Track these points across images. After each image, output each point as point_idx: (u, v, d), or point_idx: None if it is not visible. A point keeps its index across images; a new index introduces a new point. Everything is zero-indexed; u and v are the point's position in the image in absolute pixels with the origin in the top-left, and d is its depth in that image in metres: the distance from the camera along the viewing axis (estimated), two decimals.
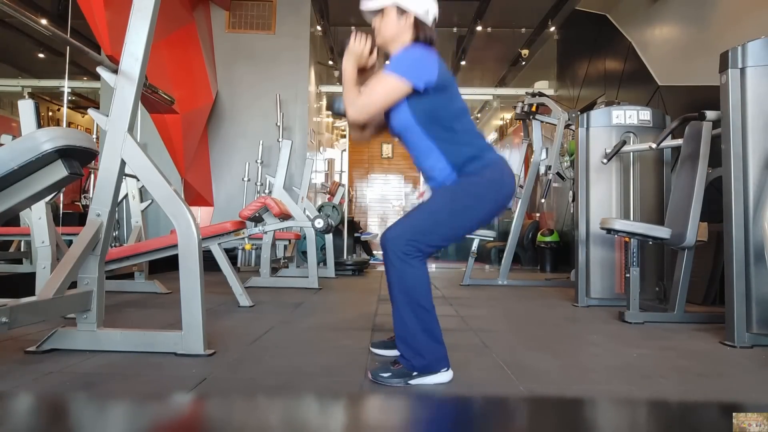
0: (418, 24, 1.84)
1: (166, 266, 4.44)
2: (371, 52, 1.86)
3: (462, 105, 1.84)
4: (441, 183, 1.82)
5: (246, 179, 6.44)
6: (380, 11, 1.86)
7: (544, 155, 5.23)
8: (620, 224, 3.08)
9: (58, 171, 1.79)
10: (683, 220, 2.97)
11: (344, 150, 8.02)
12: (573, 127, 4.64)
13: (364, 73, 1.90)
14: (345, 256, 6.42)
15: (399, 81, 1.72)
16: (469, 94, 10.65)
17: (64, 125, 5.57)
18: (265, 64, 6.80)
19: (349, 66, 1.84)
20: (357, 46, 1.84)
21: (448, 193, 1.77)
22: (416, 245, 1.68)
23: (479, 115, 12.67)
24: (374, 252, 7.98)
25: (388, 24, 1.85)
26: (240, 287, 3.37)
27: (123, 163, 2.06)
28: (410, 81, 1.71)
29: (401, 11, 1.83)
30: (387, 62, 1.84)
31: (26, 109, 2.56)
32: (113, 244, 4.58)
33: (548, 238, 6.98)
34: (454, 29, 8.65)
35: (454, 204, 1.74)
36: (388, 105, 1.77)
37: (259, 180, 6.42)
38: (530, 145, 5.57)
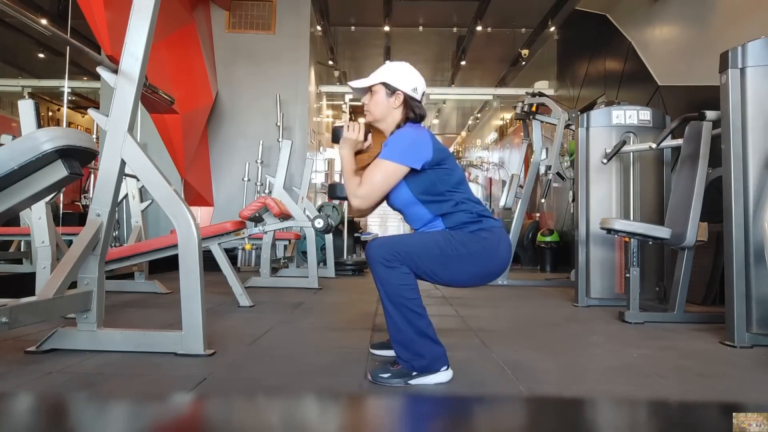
0: (407, 102, 1.87)
1: (166, 266, 4.44)
2: (366, 138, 1.91)
3: (459, 175, 1.86)
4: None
5: (246, 179, 6.44)
6: (369, 89, 1.90)
7: (544, 155, 5.23)
8: (620, 224, 3.08)
9: (58, 171, 1.79)
10: (683, 220, 2.97)
11: None
12: (573, 127, 4.64)
13: (361, 152, 1.94)
14: (345, 256, 6.42)
15: (396, 167, 1.76)
16: (469, 94, 10.67)
17: (64, 125, 5.57)
18: (265, 64, 6.81)
19: (346, 154, 1.88)
20: (352, 134, 1.88)
21: (446, 235, 1.76)
22: (400, 258, 1.68)
23: (479, 115, 12.68)
24: None
25: (377, 103, 1.88)
26: (240, 287, 3.37)
27: (123, 163, 2.06)
28: (407, 165, 1.75)
29: (390, 90, 1.86)
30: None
31: (26, 109, 2.55)
32: (113, 244, 4.58)
33: (548, 238, 6.98)
34: (454, 29, 8.65)
35: (447, 247, 1.73)
36: (388, 190, 1.81)
37: (259, 180, 6.42)
38: (530, 145, 5.57)
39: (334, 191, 2.08)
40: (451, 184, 1.81)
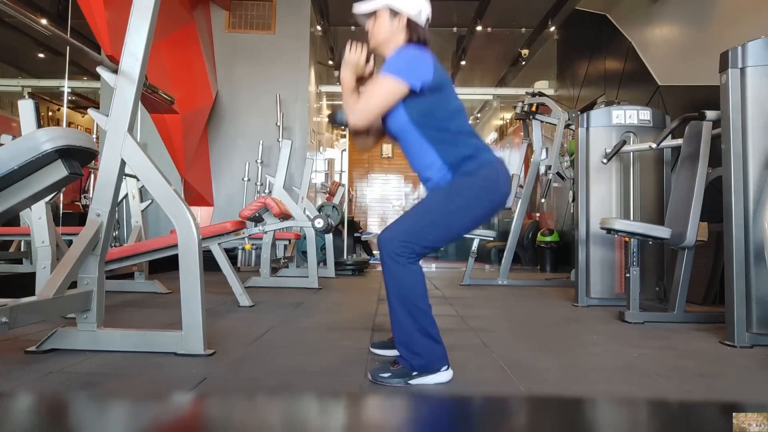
0: (411, 25, 1.84)
1: (166, 266, 4.44)
2: (368, 60, 1.87)
3: (458, 104, 1.83)
4: (437, 183, 1.81)
5: (246, 179, 6.44)
6: (373, 14, 1.87)
7: (544, 155, 5.23)
8: (620, 224, 3.08)
9: (58, 171, 1.79)
10: (683, 220, 2.97)
11: (344, 150, 8.03)
12: (573, 127, 4.64)
13: (362, 81, 1.91)
14: (345, 256, 6.42)
15: (396, 82, 1.72)
16: (469, 94, 10.66)
17: (64, 125, 5.57)
18: (265, 64, 6.80)
19: (347, 75, 1.85)
20: (353, 56, 1.85)
21: (442, 193, 1.77)
22: (410, 246, 1.68)
23: (479, 115, 12.68)
24: (374, 252, 7.97)
25: (381, 26, 1.85)
26: (240, 287, 3.37)
27: (123, 163, 2.06)
28: (407, 81, 1.72)
29: (394, 13, 1.83)
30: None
31: (26, 109, 2.55)
32: (113, 244, 4.58)
33: (548, 238, 6.98)
34: (454, 29, 8.64)
35: (448, 204, 1.74)
36: (387, 107, 1.77)
37: (259, 180, 6.42)
38: (530, 145, 5.57)
39: (334, 117, 2.04)
40: (449, 111, 1.79)
